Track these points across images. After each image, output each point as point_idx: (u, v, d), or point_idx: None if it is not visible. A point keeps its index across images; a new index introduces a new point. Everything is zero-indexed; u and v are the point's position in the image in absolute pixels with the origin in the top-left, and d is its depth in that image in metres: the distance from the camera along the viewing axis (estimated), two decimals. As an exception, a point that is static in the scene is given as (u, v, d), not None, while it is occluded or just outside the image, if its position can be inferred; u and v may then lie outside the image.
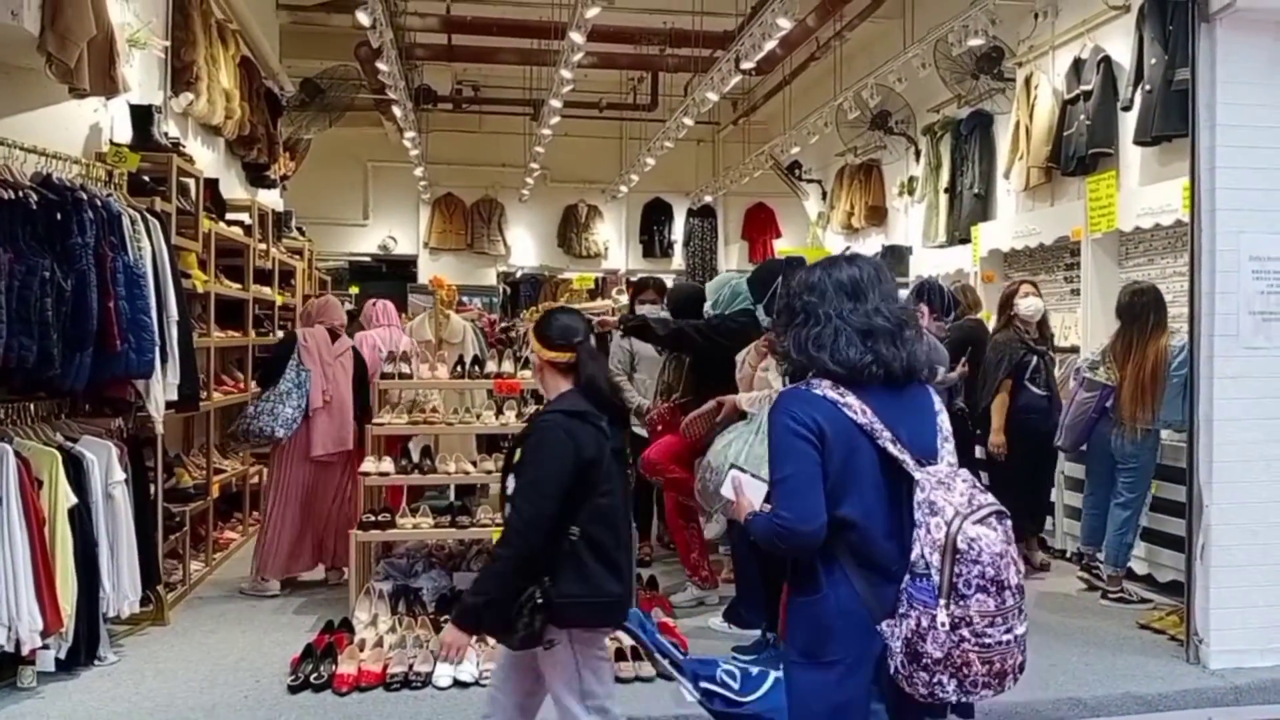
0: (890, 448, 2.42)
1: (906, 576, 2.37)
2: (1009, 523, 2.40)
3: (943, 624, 2.30)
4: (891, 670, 2.37)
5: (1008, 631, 2.33)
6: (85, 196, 4.51)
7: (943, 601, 2.30)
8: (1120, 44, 6.92)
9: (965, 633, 2.30)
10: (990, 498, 2.41)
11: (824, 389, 2.45)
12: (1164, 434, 5.47)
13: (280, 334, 7.42)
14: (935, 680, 2.33)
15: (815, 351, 2.46)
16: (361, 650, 4.50)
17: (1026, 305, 6.17)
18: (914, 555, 2.35)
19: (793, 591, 2.57)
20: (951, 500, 2.35)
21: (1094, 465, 5.75)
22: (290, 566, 5.84)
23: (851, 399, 2.43)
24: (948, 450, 2.50)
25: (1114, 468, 5.53)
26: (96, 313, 4.48)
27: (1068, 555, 6.52)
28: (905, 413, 2.49)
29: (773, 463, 2.49)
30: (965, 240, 8.85)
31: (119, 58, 5.31)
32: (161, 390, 5.01)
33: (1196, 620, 4.61)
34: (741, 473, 2.77)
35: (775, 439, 2.48)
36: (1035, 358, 6.00)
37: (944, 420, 2.55)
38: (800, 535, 2.40)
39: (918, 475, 2.40)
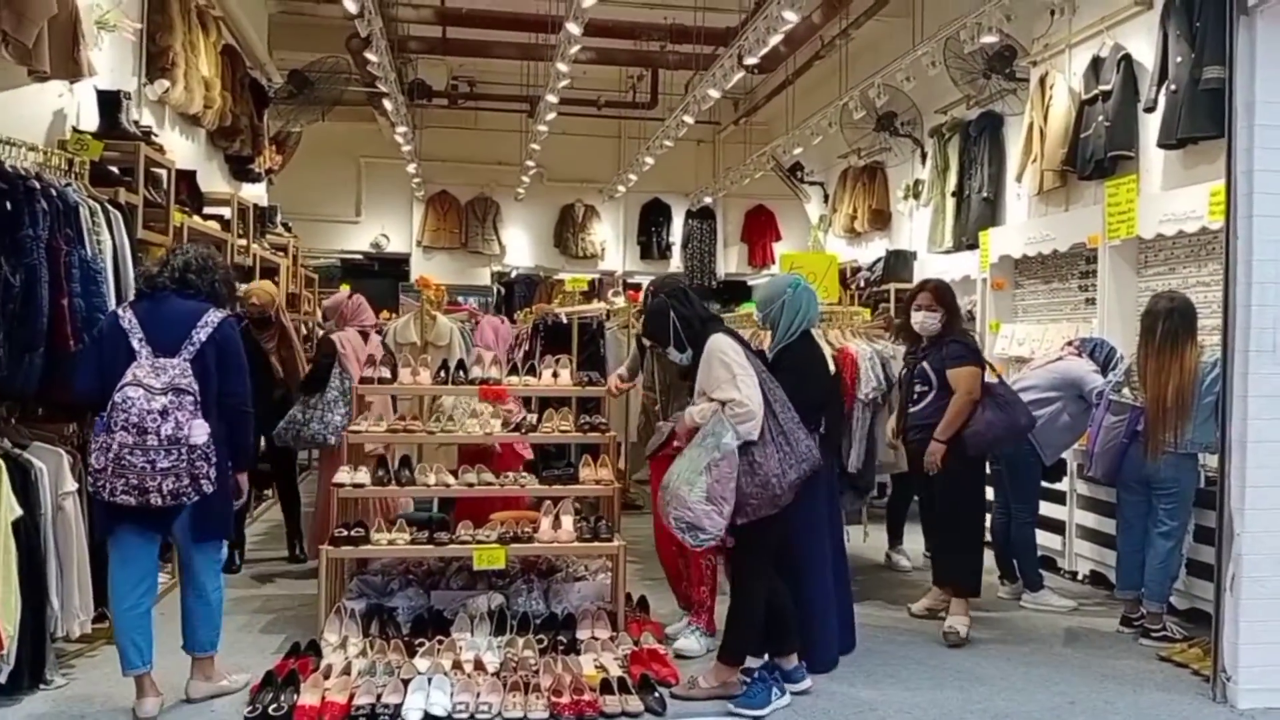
0: (133, 342, 3.84)
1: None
2: (186, 399, 3.77)
3: (98, 446, 3.69)
4: None
5: (146, 462, 3.67)
6: (39, 186, 4.20)
7: (103, 435, 3.69)
8: (1142, 42, 6.61)
9: (111, 454, 3.67)
10: (184, 382, 3.79)
11: (121, 309, 4.00)
12: (1201, 456, 5.11)
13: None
14: (100, 483, 3.71)
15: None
16: (327, 678, 4.17)
17: (914, 319, 5.36)
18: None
19: None
20: (138, 374, 3.75)
21: (1127, 496, 5.24)
22: None
23: (129, 313, 3.92)
24: (187, 353, 3.85)
25: (1150, 496, 5.12)
26: (48, 310, 4.19)
27: (1080, 578, 6.21)
28: (165, 323, 3.91)
29: None
30: (973, 246, 8.54)
31: (83, 39, 5.01)
32: (121, 393, 4.69)
33: (1224, 656, 4.29)
34: None
35: None
36: (917, 367, 5.36)
37: (200, 334, 3.89)
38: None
39: (140, 359, 3.80)
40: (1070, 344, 5.92)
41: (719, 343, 4.12)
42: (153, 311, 3.96)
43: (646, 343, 5.17)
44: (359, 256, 15.98)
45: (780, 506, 4.04)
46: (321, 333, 7.46)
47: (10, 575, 3.95)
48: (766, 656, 4.30)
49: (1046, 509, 6.08)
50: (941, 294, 5.30)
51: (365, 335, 6.50)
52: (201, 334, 3.91)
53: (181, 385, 3.79)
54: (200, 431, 3.79)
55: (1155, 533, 5.07)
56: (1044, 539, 6.18)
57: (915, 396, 5.28)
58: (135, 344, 3.85)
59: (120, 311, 4.01)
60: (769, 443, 3.98)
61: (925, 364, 5.25)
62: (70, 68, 4.90)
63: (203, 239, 6.44)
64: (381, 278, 15.39)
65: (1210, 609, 4.48)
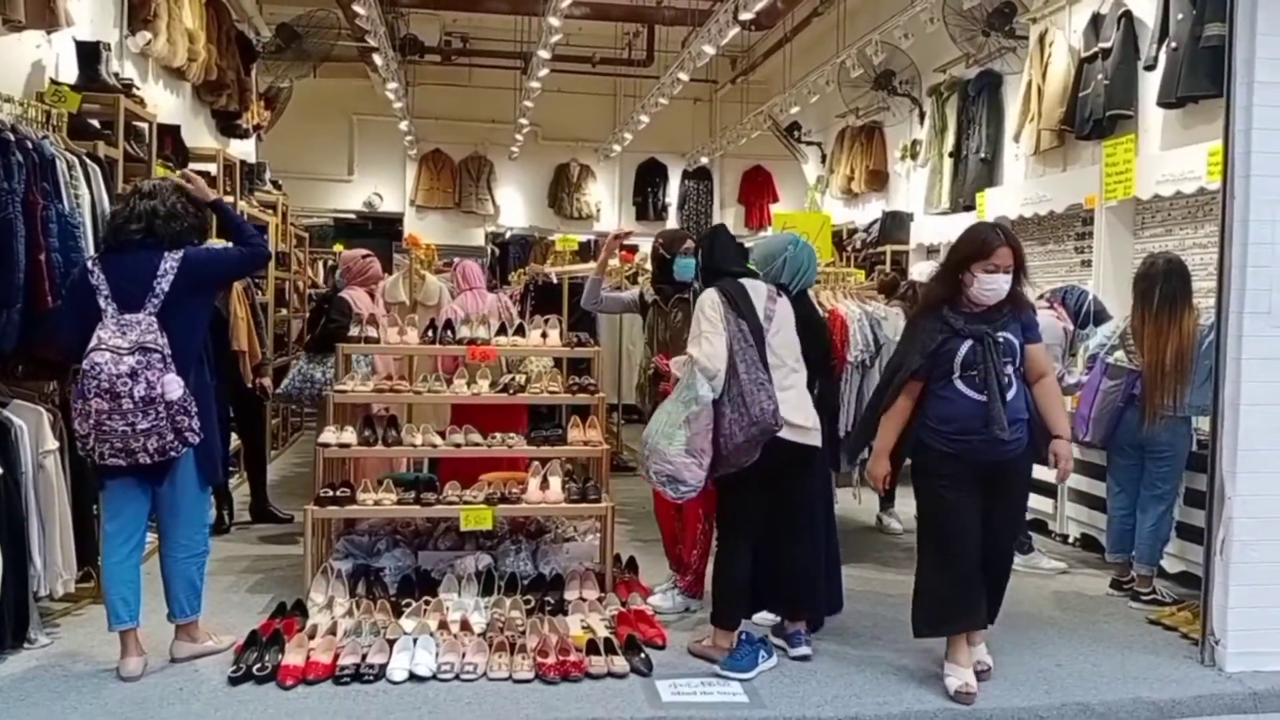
0: (100, 300, 3.77)
1: None
2: (154, 356, 3.69)
3: (78, 413, 3.71)
4: None
5: (127, 425, 3.66)
6: (13, 138, 4.11)
7: (79, 401, 3.69)
8: (1143, -1, 6.50)
9: (91, 421, 3.67)
10: (150, 338, 3.71)
11: (90, 262, 3.91)
12: (1194, 419, 5.06)
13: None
14: (88, 447, 3.75)
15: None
16: (312, 638, 4.15)
17: (985, 285, 3.86)
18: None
19: None
20: (103, 336, 3.69)
21: (1120, 460, 5.18)
22: None
23: (96, 268, 3.84)
24: (152, 305, 3.77)
25: (1143, 459, 5.07)
26: (25, 266, 4.11)
27: (1070, 541, 6.20)
28: (128, 278, 3.81)
29: None
30: (970, 207, 8.46)
31: (60, -12, 4.89)
32: (101, 351, 4.63)
33: (1213, 620, 4.27)
34: None
35: None
36: (970, 343, 3.85)
37: (162, 284, 3.79)
38: None
39: (105, 318, 3.74)
40: (1041, 298, 5.84)
41: (705, 297, 4.11)
42: (118, 266, 3.85)
43: (649, 299, 5.15)
44: (352, 216, 15.86)
45: (737, 466, 3.99)
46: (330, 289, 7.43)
47: (-10, 534, 3.92)
48: (777, 618, 4.33)
49: (1037, 471, 6.00)
50: (1019, 249, 3.95)
51: (371, 294, 6.47)
52: (164, 283, 3.80)
53: (147, 343, 3.71)
54: (174, 386, 3.72)
55: (1147, 496, 5.04)
56: (1034, 501, 6.13)
57: (1008, 380, 3.87)
58: (102, 302, 3.77)
59: (89, 266, 3.89)
60: (724, 403, 3.94)
61: (1008, 334, 3.89)
62: (47, 17, 4.81)
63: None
64: (375, 237, 15.27)
65: (1200, 572, 4.46)
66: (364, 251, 6.72)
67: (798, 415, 4.07)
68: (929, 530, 4.02)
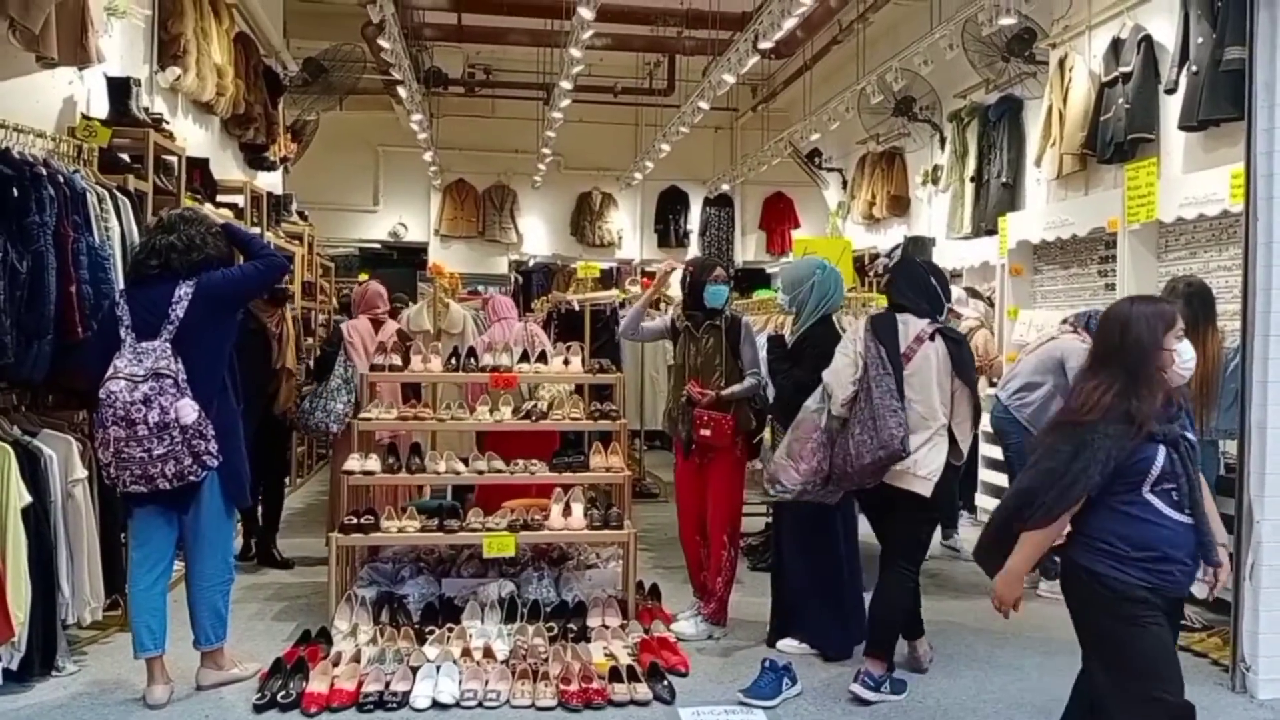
0: (120, 330, 3.84)
1: None
2: (166, 382, 3.73)
3: (99, 441, 3.77)
4: None
5: (144, 452, 3.71)
6: (45, 172, 4.18)
7: (99, 430, 3.74)
8: (1162, 22, 6.50)
9: (110, 450, 3.73)
10: (164, 364, 3.75)
11: (119, 295, 4.05)
12: (1220, 443, 5.01)
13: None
14: (111, 476, 3.81)
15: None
16: (336, 665, 4.17)
17: (1185, 356, 3.04)
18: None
19: None
20: (119, 365, 3.75)
21: None
22: None
23: (122, 300, 3.94)
24: (168, 332, 3.81)
25: None
26: (55, 297, 4.17)
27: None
28: (147, 308, 3.87)
29: None
30: (992, 231, 8.44)
31: (92, 26, 5.01)
32: (130, 381, 4.69)
33: (1244, 645, 4.22)
34: None
35: None
36: (1165, 451, 2.92)
37: (177, 310, 3.84)
38: None
39: (124, 348, 3.80)
40: (1065, 321, 5.81)
41: (857, 323, 4.36)
42: (141, 298, 3.94)
43: (679, 326, 5.10)
44: (377, 246, 16.00)
45: (858, 486, 4.16)
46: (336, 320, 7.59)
47: (20, 562, 3.96)
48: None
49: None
50: None
51: (379, 323, 6.47)
52: (178, 310, 3.86)
53: (161, 369, 3.76)
54: (188, 411, 3.76)
55: None
56: (1062, 527, 6.08)
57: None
58: (123, 333, 3.85)
59: (118, 299, 4.01)
60: (854, 423, 4.06)
61: (1190, 433, 3.05)
62: (79, 54, 4.90)
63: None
64: (400, 267, 15.40)
65: (1229, 597, 4.40)
66: (363, 279, 6.86)
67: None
68: (1135, 676, 2.92)
